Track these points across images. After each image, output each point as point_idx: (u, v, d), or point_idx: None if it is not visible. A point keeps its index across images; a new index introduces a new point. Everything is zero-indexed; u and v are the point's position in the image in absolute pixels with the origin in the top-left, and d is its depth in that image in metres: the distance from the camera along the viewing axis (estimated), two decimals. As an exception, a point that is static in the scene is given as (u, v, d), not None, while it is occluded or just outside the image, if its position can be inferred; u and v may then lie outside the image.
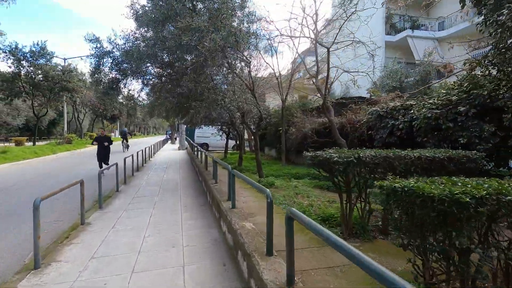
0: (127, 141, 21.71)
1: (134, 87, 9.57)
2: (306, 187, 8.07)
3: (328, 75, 7.54)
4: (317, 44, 8.15)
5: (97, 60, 7.51)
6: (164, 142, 33.84)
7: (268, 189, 3.08)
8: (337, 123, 11.42)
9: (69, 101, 26.66)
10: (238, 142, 21.60)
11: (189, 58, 7.76)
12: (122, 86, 8.52)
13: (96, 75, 7.70)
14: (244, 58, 7.03)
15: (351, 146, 10.70)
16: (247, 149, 23.24)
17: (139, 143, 36.70)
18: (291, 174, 10.22)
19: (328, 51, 7.16)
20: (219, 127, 17.25)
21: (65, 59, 24.49)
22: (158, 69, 9.31)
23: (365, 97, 12.61)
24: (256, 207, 5.03)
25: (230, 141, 28.13)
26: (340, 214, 4.51)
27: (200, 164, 10.38)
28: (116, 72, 8.22)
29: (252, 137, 22.30)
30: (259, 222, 3.88)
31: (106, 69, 7.98)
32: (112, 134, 55.33)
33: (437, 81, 10.26)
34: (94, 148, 25.49)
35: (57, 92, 22.04)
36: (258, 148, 9.18)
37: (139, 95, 8.99)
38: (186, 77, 6.45)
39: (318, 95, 9.36)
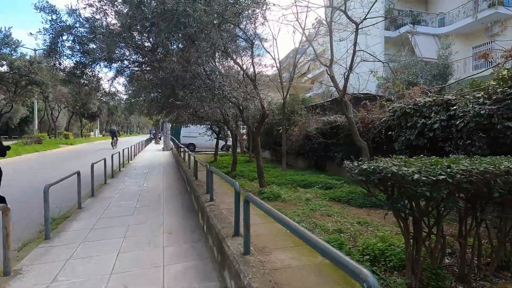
0: (116, 139, 24.15)
1: (107, 75, 8.08)
2: (320, 200, 6.59)
3: (353, 59, 6.05)
4: (332, 24, 6.70)
5: (52, 37, 5.73)
6: (147, 142, 31.63)
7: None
8: (346, 123, 10.03)
9: (40, 97, 24.09)
10: (231, 144, 19.98)
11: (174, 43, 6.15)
12: (89, 73, 6.72)
13: (52, 57, 5.91)
14: (247, 37, 5.47)
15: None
16: (238, 150, 21.66)
17: (120, 142, 34.26)
18: (296, 182, 8.72)
19: (357, 28, 5.67)
20: (208, 126, 15.52)
21: (35, 50, 21.99)
22: (137, 56, 7.58)
23: (374, 94, 11.31)
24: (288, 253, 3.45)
25: (220, 141, 26.45)
26: (406, 254, 2.98)
27: (187, 170, 8.69)
28: (80, 55, 6.42)
29: (245, 137, 20.70)
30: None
31: (67, 50, 6.20)
32: (92, 133, 52.11)
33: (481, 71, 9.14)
34: (68, 149, 23.08)
35: (24, 85, 19.58)
36: (259, 152, 7.61)
37: (111, 85, 7.21)
38: (170, 57, 4.79)
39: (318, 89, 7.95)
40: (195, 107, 5.52)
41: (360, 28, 7.14)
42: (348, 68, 6.20)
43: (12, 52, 18.70)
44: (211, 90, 4.78)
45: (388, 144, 8.25)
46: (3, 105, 20.95)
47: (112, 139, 23.99)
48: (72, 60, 6.46)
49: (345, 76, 7.05)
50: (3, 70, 18.99)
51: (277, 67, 9.03)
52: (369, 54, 6.61)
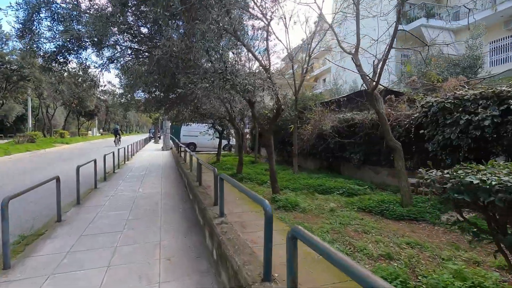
0: (120, 137, 25.47)
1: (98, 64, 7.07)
2: (347, 211, 5.58)
3: (391, 45, 5.01)
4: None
5: (27, 13, 4.68)
6: (146, 141, 30.57)
7: None
8: (365, 120, 9.03)
9: (34, 93, 23.02)
10: (234, 143, 18.96)
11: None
12: (74, 60, 5.71)
13: (27, 38, 4.86)
14: (262, 13, 4.45)
15: (388, 151, 8.28)
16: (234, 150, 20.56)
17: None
18: (312, 187, 7.71)
19: (403, 3, 4.61)
20: (211, 124, 14.47)
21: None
22: (132, 43, 6.57)
23: (394, 90, 10.29)
24: None
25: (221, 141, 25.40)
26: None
27: (189, 173, 7.65)
28: (62, 38, 5.39)
29: (248, 136, 19.64)
30: None
31: (46, 31, 5.16)
32: (90, 132, 51.00)
33: None
34: (63, 148, 22.06)
35: (15, 81, 18.51)
36: (272, 153, 6.58)
37: (101, 74, 6.17)
38: (168, 28, 3.76)
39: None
40: (200, 98, 4.49)
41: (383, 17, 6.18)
42: (383, 56, 5.16)
43: (3, 45, 17.62)
44: (222, 75, 3.77)
45: (418, 144, 7.23)
46: (-8, 101, 19.93)
47: (115, 137, 25.26)
48: (54, 44, 5.43)
49: (375, 64, 6.03)
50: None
51: (289, 58, 8.01)
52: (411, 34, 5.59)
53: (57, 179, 4.63)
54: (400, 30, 5.03)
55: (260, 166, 11.76)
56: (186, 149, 9.97)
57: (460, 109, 5.89)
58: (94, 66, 6.05)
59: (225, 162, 13.30)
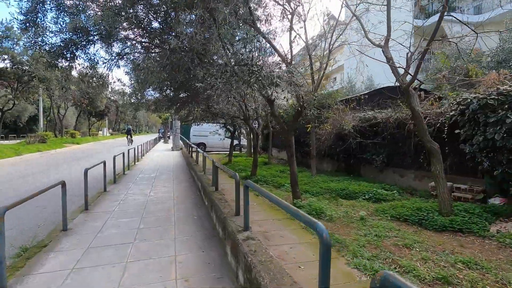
0: (131, 137, 27.05)
1: (105, 58, 6.74)
2: (380, 220, 5.03)
3: (434, 34, 4.44)
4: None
5: (30, 4, 4.31)
6: (155, 141, 30.43)
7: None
8: (389, 119, 8.42)
9: (45, 94, 23.07)
10: (246, 143, 18.49)
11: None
12: (82, 55, 5.32)
13: (30, 32, 4.49)
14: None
15: (418, 151, 7.66)
16: (244, 150, 19.97)
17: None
18: (334, 191, 7.17)
19: None
20: (223, 124, 14.02)
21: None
22: (143, 38, 6.16)
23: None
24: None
25: (230, 141, 24.99)
26: None
27: (202, 176, 7.21)
28: (69, 31, 5.00)
29: (252, 136, 19.15)
30: None
31: (52, 24, 4.79)
32: (100, 132, 51.40)
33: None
34: (73, 148, 22.03)
35: (26, 81, 18.48)
36: (293, 154, 6.05)
37: (109, 70, 5.76)
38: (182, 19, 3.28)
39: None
40: (218, 94, 4.01)
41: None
42: (417, 48, 4.58)
43: (14, 45, 17.58)
44: (247, 66, 3.28)
45: (452, 145, 6.60)
46: (4, 102, 19.93)
47: (127, 137, 27.26)
48: (60, 38, 5.05)
49: (408, 57, 5.44)
50: (4, 66, 17.93)
51: (307, 52, 7.44)
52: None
53: (63, 184, 4.22)
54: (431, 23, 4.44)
55: (275, 168, 11.26)
56: (198, 149, 9.55)
57: (506, 106, 5.25)
58: (103, 61, 5.65)
59: (237, 163, 12.84)
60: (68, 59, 5.31)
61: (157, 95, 10.75)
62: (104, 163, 6.98)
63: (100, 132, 50.09)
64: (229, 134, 25.03)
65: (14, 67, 18.09)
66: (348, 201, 6.50)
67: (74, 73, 5.70)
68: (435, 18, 18.31)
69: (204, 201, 5.92)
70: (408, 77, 5.35)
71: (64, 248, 3.74)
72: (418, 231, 4.52)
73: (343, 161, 10.63)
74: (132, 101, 8.92)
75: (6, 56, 17.53)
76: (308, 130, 9.82)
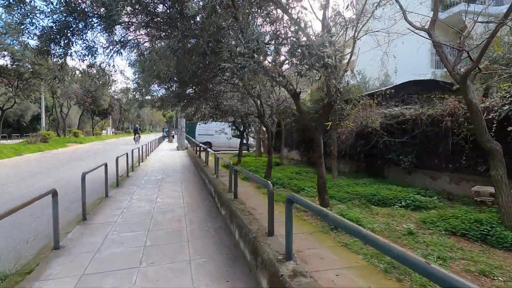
0: (139, 135, 28.26)
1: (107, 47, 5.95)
2: (433, 235, 4.21)
3: (508, 13, 3.60)
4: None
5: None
6: (160, 140, 29.75)
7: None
8: (419, 116, 7.59)
9: (48, 92, 22.44)
10: (255, 143, 17.70)
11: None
12: (77, 40, 4.55)
13: (16, 12, 3.75)
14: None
15: (456, 151, 6.81)
16: (254, 150, 18.99)
17: (132, 141, 32.55)
18: (363, 196, 6.36)
19: None
20: (231, 122, 13.22)
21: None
22: (149, 28, 5.40)
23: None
24: None
25: (238, 140, 24.21)
26: None
27: (214, 179, 6.43)
28: (65, 13, 4.25)
29: (267, 135, 18.31)
30: None
31: (43, 4, 4.04)
32: (104, 131, 50.93)
33: None
34: (76, 148, 21.40)
35: (27, 78, 17.85)
36: (321, 156, 5.25)
37: (111, 59, 4.99)
38: None
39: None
40: (248, 77, 3.21)
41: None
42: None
43: (14, 41, 16.90)
44: (294, 40, 2.49)
45: (500, 143, 5.76)
46: (4, 100, 19.32)
47: (135, 135, 28.39)
48: (52, 20, 4.29)
49: (460, 41, 4.60)
50: (4, 62, 17.29)
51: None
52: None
53: (53, 194, 3.46)
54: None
55: (289, 169, 10.46)
56: (209, 149, 8.76)
57: None
58: (102, 47, 4.88)
59: (247, 163, 12.04)
60: (62, 45, 4.55)
61: (163, 91, 10.02)
62: (106, 165, 6.23)
63: (103, 131, 49.61)
64: (236, 133, 24.38)
65: (14, 64, 17.45)
66: (382, 208, 5.69)
67: (70, 62, 4.96)
68: (454, 9, 17.19)
69: (219, 210, 5.14)
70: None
71: (53, 275, 2.97)
72: (485, 250, 3.70)
73: (363, 161, 9.81)
74: (136, 96, 8.18)
75: (5, 53, 16.88)
76: (328, 127, 8.99)
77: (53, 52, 4.56)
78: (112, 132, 54.25)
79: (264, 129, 18.17)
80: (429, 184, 7.51)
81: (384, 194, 6.24)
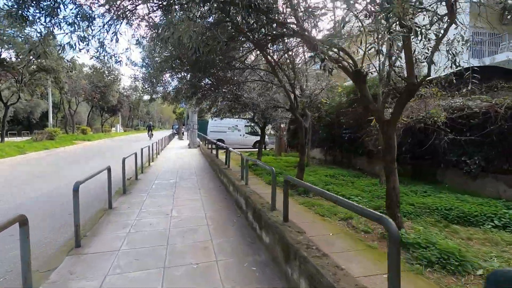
0: (152, 132, 29.92)
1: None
2: None
3: None
4: None
5: None
6: (170, 137, 28.70)
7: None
8: (492, 108, 6.14)
9: (55, 87, 21.56)
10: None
11: None
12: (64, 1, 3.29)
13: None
14: None
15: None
16: (269, 147, 17.46)
17: (142, 138, 31.64)
18: (436, 210, 4.97)
19: None
20: (249, 117, 11.86)
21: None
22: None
23: None
24: None
25: (252, 137, 22.89)
26: None
27: (244, 188, 5.12)
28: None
29: (284, 132, 16.85)
30: None
31: None
32: (114, 129, 50.36)
33: None
34: (84, 145, 20.46)
35: (32, 72, 16.90)
36: (394, 160, 3.88)
37: (113, 36, 3.70)
38: None
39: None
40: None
41: None
42: None
43: (18, 32, 15.96)
44: None
45: None
46: (8, 95, 18.47)
47: (148, 132, 30.10)
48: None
49: None
50: (8, 55, 16.36)
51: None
52: None
53: (22, 222, 2.20)
54: None
55: (320, 171, 9.07)
56: (231, 149, 7.44)
57: None
58: (99, 16, 3.61)
59: (268, 164, 10.70)
60: (46, 9, 3.29)
61: (175, 83, 8.79)
62: (109, 170, 4.97)
63: (113, 128, 49.03)
64: (254, 129, 23.03)
65: (19, 57, 16.51)
66: (468, 229, 4.30)
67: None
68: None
69: (258, 233, 3.82)
70: None
71: None
72: None
73: (409, 163, 8.34)
74: (146, 86, 6.96)
75: (8, 46, 15.92)
76: (372, 122, 7.59)
77: (33, 19, 3.30)
78: (122, 130, 53.73)
79: (283, 125, 16.77)
80: (504, 193, 6.03)
81: (463, 208, 4.82)
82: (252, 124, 21.43)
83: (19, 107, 35.14)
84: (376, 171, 9.40)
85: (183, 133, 33.15)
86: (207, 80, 9.16)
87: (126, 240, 3.77)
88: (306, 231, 3.06)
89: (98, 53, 4.02)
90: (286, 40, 4.93)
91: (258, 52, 6.85)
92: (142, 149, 9.20)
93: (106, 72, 28.86)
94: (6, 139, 24.58)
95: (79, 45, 3.60)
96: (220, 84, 8.57)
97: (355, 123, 9.82)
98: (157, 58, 7.08)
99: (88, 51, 3.99)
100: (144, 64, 6.77)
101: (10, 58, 16.02)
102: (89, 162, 12.40)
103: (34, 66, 16.76)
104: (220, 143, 10.71)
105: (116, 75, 29.08)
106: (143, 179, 8.11)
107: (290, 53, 5.85)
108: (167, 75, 8.20)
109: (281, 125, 16.19)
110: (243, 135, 22.56)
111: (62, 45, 3.57)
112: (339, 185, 7.34)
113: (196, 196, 6.19)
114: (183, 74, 8.08)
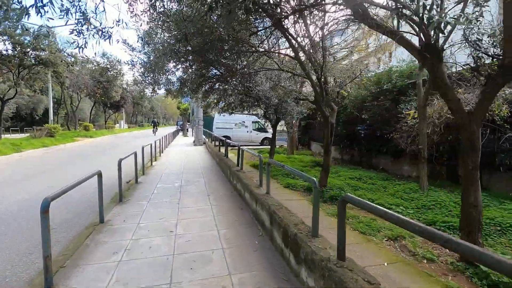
0: (156, 128, 31.89)
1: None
2: None
3: None
4: None
5: None
6: (174, 134, 27.80)
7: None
8: None
9: (55, 82, 20.71)
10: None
11: None
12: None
13: None
14: None
15: None
16: (280, 145, 16.29)
17: (146, 135, 30.84)
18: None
19: None
20: (263, 111, 10.81)
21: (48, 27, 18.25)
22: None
23: None
24: None
25: (260, 134, 21.86)
26: None
27: (264, 198, 4.12)
28: None
29: (295, 128, 15.75)
30: None
31: None
32: (117, 125, 49.69)
33: None
34: (85, 142, 19.65)
35: (30, 66, 16.03)
36: (477, 166, 2.84)
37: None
38: None
39: None
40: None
41: None
42: None
43: (15, 23, 15.08)
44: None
45: None
46: (4, 89, 17.64)
47: (153, 128, 31.81)
48: None
49: None
50: (5, 48, 15.49)
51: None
52: None
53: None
54: None
55: (344, 173, 8.07)
56: (248, 150, 6.43)
57: None
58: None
59: (282, 163, 9.68)
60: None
61: (180, 72, 7.79)
62: (99, 175, 4.00)
63: (117, 124, 48.33)
64: (257, 126, 21.98)
65: (16, 50, 15.65)
66: None
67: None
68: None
69: (293, 265, 2.83)
70: None
71: None
72: None
73: (445, 164, 7.28)
74: (146, 75, 6.00)
75: (5, 37, 15.05)
76: (410, 117, 6.51)
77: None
78: (126, 126, 53.04)
79: (294, 121, 15.67)
80: None
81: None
82: (263, 121, 20.34)
83: (21, 103, 34.49)
84: (403, 172, 8.35)
85: (187, 129, 32.24)
86: (215, 71, 8.18)
87: (115, 274, 2.80)
88: (351, 257, 2.06)
89: (79, 25, 3.05)
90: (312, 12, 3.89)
91: (278, 34, 5.85)
92: (143, 148, 8.25)
93: (109, 67, 28.02)
94: (5, 136, 23.91)
95: (49, 10, 2.62)
96: (230, 75, 7.57)
97: (381, 118, 8.77)
98: (159, 45, 6.11)
99: (67, 23, 3.02)
100: (143, 48, 5.79)
101: (6, 51, 15.16)
102: (88, 161, 11.53)
103: (32, 60, 15.87)
104: (228, 140, 9.69)
105: (118, 70, 28.21)
106: (144, 183, 7.17)
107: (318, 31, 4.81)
108: (171, 64, 7.23)
109: (293, 121, 15.10)
110: (250, 131, 21.58)
111: (24, 7, 2.60)
112: (370, 190, 6.33)
113: (205, 205, 5.22)
114: (188, 64, 7.09)
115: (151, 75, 6.42)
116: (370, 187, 6.64)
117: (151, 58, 6.05)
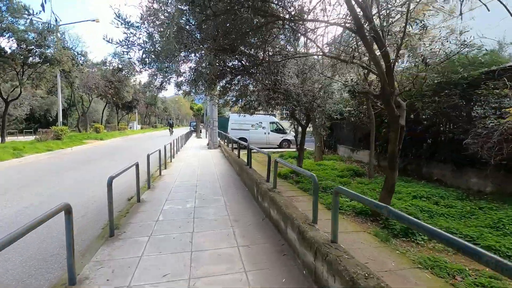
0: (172, 129, 33.70)
1: None
2: None
3: None
4: None
5: None
6: (187, 136, 26.51)
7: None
8: None
9: (65, 82, 19.75)
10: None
11: None
12: None
13: None
14: None
15: None
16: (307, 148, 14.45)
17: (159, 136, 29.74)
18: None
19: None
20: (290, 112, 9.14)
21: (56, 24, 17.29)
22: None
23: None
24: None
25: (278, 136, 20.21)
26: None
27: (328, 251, 2.48)
28: None
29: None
30: None
31: None
32: (130, 126, 49.14)
33: None
34: (94, 145, 18.51)
35: (34, 64, 15.02)
36: None
37: None
38: None
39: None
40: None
41: None
42: None
43: (19, 19, 14.10)
44: None
45: None
46: (7, 89, 16.74)
47: (169, 129, 33.63)
48: None
49: None
50: (9, 45, 14.53)
51: None
52: None
53: None
54: None
55: (403, 188, 6.31)
56: (283, 162, 4.76)
57: None
58: None
59: (314, 173, 8.00)
60: None
61: (193, 64, 6.27)
62: (68, 211, 2.48)
63: (129, 125, 47.74)
64: (275, 127, 20.30)
65: (20, 47, 14.66)
66: None
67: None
68: None
69: None
70: None
71: None
72: None
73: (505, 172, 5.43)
74: (149, 62, 4.52)
75: (8, 34, 14.05)
76: (508, 116, 4.72)
77: None
78: (140, 127, 52.49)
79: (323, 122, 13.85)
80: None
81: None
82: (286, 122, 18.57)
83: (35, 104, 34.19)
84: (469, 185, 6.47)
85: (200, 131, 30.96)
86: (235, 62, 6.61)
87: None
88: None
89: None
90: None
91: None
92: (148, 156, 6.75)
93: (121, 66, 27.07)
94: (16, 138, 23.24)
95: None
96: (257, 63, 5.97)
97: (444, 117, 6.97)
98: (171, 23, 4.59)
99: None
100: (144, 24, 4.30)
101: (10, 48, 14.18)
102: (91, 167, 10.23)
103: (37, 57, 14.85)
104: (263, 150, 8.01)
105: (130, 69, 27.22)
106: (148, 201, 5.65)
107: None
108: (181, 53, 5.71)
109: (322, 122, 13.28)
110: (268, 133, 19.97)
111: None
112: (445, 216, 4.60)
113: (230, 245, 3.61)
114: (201, 53, 5.53)
115: (156, 64, 4.91)
116: (442, 210, 4.88)
117: (156, 39, 4.53)
